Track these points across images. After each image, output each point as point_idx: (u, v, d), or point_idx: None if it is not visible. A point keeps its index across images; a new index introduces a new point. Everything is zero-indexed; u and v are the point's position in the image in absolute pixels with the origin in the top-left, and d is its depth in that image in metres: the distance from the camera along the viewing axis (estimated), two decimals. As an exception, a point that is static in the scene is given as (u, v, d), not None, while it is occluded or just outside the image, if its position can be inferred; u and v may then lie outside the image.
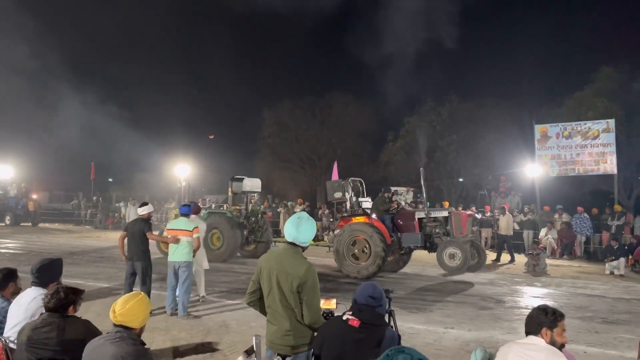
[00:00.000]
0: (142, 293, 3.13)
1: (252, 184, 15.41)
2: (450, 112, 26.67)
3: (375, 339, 3.03)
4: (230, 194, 15.27)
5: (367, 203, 13.18)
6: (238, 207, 15.10)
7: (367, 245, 11.61)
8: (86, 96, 30.70)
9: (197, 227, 7.78)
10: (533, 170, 18.70)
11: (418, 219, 12.19)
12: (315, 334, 3.25)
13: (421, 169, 13.36)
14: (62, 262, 4.19)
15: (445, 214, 12.41)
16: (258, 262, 3.47)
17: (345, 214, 12.67)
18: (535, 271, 13.00)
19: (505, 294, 10.16)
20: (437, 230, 12.21)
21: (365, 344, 2.99)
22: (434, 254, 12.27)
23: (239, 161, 32.93)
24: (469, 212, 14.05)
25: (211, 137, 37.12)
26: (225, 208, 15.31)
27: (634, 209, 18.09)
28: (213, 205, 16.40)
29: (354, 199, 12.83)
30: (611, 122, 18.08)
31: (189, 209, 8.13)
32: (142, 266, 7.66)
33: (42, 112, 31.28)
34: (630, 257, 13.58)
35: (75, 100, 30.16)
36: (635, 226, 16.21)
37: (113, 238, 19.45)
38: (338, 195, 12.88)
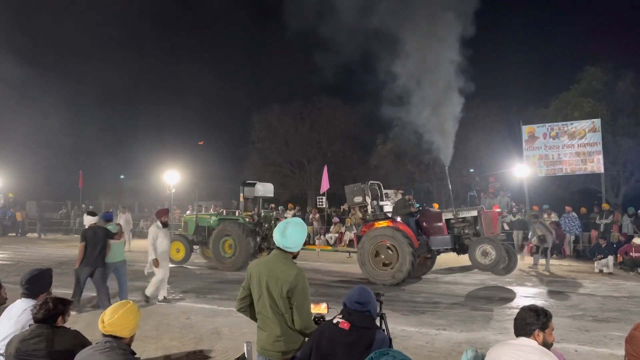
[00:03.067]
0: (130, 302, 3.10)
1: (265, 189, 14.96)
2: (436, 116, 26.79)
3: (365, 342, 3.05)
4: (242, 199, 14.68)
5: (387, 207, 12.74)
6: (249, 213, 14.61)
7: (393, 250, 11.17)
8: (74, 104, 30.52)
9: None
10: (521, 170, 18.84)
11: (445, 220, 11.76)
12: (307, 339, 3.25)
13: (446, 168, 12.97)
14: (52, 272, 4.15)
15: (474, 213, 11.73)
16: (248, 268, 3.48)
17: (369, 219, 12.08)
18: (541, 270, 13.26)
19: (497, 295, 10.21)
20: (467, 231, 11.62)
21: (355, 346, 3.00)
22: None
23: (229, 167, 32.90)
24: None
25: (200, 143, 37.03)
26: (237, 214, 14.73)
27: (622, 207, 18.27)
28: (224, 212, 15.91)
29: (374, 202, 12.31)
30: (597, 122, 18.28)
31: (110, 215, 9.64)
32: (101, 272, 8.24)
33: (29, 120, 31.03)
34: (618, 255, 13.72)
35: (63, 107, 29.96)
36: (623, 224, 16.38)
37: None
38: (358, 199, 12.30)
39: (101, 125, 29.76)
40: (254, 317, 3.43)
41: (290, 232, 3.31)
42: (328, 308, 3.53)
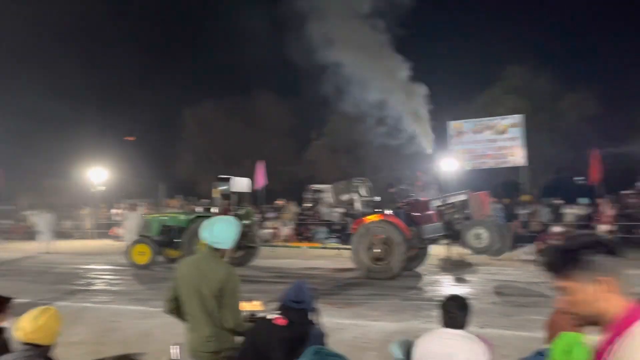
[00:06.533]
0: (53, 308, 2.93)
1: (241, 184, 14.35)
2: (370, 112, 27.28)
3: (300, 337, 3.06)
4: (217, 195, 13.82)
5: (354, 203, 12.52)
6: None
7: (386, 244, 11.07)
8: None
9: None
10: (449, 164, 19.60)
11: (435, 207, 11.74)
12: (238, 338, 3.22)
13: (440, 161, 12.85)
14: None
15: (462, 197, 11.73)
16: (176, 267, 3.39)
17: (357, 215, 11.92)
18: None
19: (426, 284, 10.58)
20: (457, 216, 11.57)
21: (291, 342, 3.01)
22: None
23: (160, 163, 31.87)
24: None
25: (129, 138, 35.58)
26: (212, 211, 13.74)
27: (540, 198, 19.47)
28: (201, 209, 15.01)
29: (362, 198, 12.14)
30: (518, 117, 19.37)
31: None
32: None
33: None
34: (538, 242, 14.60)
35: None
36: (541, 214, 17.44)
37: (21, 248, 18.19)
38: (345, 197, 12.23)
39: (20, 120, 27.83)
40: (183, 318, 3.34)
41: (218, 228, 3.25)
42: (262, 305, 3.51)
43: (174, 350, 2.70)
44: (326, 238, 18.74)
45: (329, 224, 21.10)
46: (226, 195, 13.85)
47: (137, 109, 35.40)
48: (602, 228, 14.36)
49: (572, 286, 1.53)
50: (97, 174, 23.36)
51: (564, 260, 1.55)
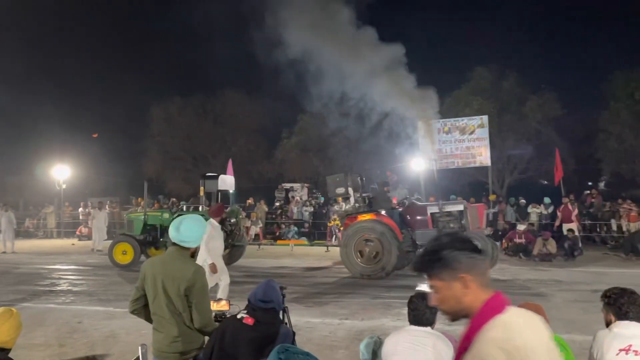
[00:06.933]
0: (13, 309, 2.85)
1: (228, 182, 14.15)
2: (339, 109, 27.33)
3: (269, 337, 3.05)
4: (202, 194, 13.56)
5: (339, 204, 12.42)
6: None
7: (377, 244, 10.96)
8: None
9: None
10: (417, 164, 19.85)
11: (430, 213, 11.52)
12: (207, 338, 3.19)
13: (433, 161, 12.72)
14: None
15: (460, 207, 11.57)
16: (142, 267, 3.32)
17: (351, 212, 11.69)
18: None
19: (397, 283, 10.68)
20: (452, 225, 11.32)
21: (259, 341, 2.99)
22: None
23: (126, 161, 31.22)
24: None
25: (94, 135, 34.71)
26: (201, 209, 13.44)
27: (506, 198, 19.93)
28: (185, 207, 14.59)
29: (357, 195, 11.89)
30: (485, 118, 19.77)
31: None
32: None
33: None
34: (504, 241, 14.96)
35: None
36: (507, 213, 17.87)
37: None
38: (340, 191, 11.99)
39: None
40: (149, 319, 3.28)
41: (185, 226, 3.21)
42: (229, 305, 3.48)
43: (142, 351, 2.66)
44: (294, 236, 18.79)
45: (299, 223, 21.17)
46: (209, 195, 13.74)
47: (102, 106, 34.63)
48: (567, 227, 14.85)
49: (439, 284, 1.63)
50: (61, 172, 22.70)
51: (430, 260, 1.65)
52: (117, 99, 34.20)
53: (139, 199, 24.71)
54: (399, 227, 11.24)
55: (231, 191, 14.69)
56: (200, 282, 3.15)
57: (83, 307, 8.48)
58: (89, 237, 19.65)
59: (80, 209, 23.50)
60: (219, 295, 8.13)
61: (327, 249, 16.04)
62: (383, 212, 11.47)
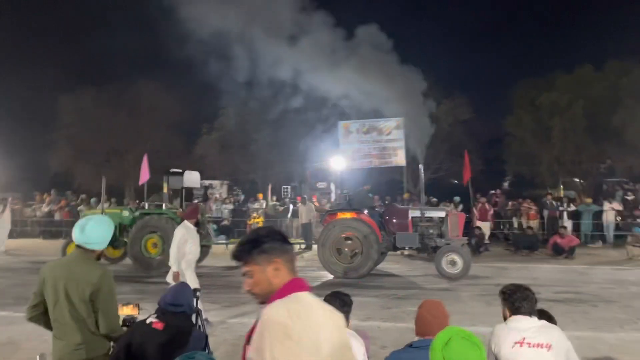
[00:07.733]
0: None
1: (192, 179, 13.54)
2: (261, 107, 27.22)
3: (180, 341, 3.01)
4: (166, 190, 12.91)
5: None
6: (174, 207, 13.04)
7: (356, 244, 10.84)
8: None
9: None
10: (337, 163, 20.25)
11: (412, 217, 11.36)
12: (113, 343, 3.07)
13: (420, 165, 12.49)
14: None
15: (442, 214, 11.54)
16: (40, 271, 3.12)
17: (332, 209, 11.38)
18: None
19: (312, 278, 10.84)
20: (432, 231, 11.22)
21: (169, 346, 2.94)
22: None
23: (30, 154, 29.05)
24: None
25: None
26: (164, 207, 12.88)
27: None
28: (147, 205, 13.72)
29: (338, 191, 11.55)
30: (401, 120, 20.52)
31: None
32: None
33: None
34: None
35: None
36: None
37: None
38: (322, 185, 11.62)
39: None
40: (48, 326, 3.11)
41: (90, 227, 3.06)
42: (139, 309, 3.38)
43: (40, 360, 2.52)
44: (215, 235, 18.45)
45: (217, 221, 20.82)
46: (169, 192, 13.20)
47: (5, 93, 31.94)
48: (479, 224, 15.77)
49: (254, 269, 1.85)
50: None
51: (249, 248, 1.88)
52: (23, 87, 31.66)
53: (44, 195, 23.19)
54: (379, 228, 11.21)
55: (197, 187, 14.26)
56: (107, 286, 3.02)
57: (-23, 313, 7.83)
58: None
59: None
60: None
61: (300, 247, 15.91)
62: (365, 212, 11.46)
